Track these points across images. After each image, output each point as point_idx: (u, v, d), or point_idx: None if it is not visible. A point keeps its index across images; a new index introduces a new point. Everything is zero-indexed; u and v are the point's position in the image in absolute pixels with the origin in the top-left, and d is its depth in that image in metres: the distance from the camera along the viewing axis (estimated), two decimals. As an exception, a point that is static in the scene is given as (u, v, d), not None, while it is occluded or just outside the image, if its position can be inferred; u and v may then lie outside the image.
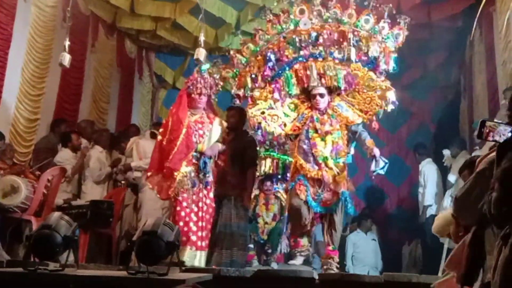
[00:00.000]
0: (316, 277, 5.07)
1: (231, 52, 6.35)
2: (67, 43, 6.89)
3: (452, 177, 7.59)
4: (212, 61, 7.40)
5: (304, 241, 5.67)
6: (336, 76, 5.69)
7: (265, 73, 5.93)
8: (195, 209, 5.69)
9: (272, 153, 7.39)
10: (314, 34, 5.78)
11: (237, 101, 6.35)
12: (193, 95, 5.86)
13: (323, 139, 5.66)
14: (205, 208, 5.72)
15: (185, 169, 5.71)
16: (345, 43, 5.72)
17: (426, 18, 8.90)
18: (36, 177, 6.41)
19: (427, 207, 8.10)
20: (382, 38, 5.82)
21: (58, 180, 6.58)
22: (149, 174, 5.91)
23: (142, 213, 7.02)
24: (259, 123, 5.98)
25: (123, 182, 7.72)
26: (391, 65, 5.87)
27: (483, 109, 8.09)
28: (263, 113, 5.94)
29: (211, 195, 5.81)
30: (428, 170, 8.29)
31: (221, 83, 6.11)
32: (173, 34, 9.99)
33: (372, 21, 5.79)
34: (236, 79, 6.20)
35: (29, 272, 4.09)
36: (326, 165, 5.56)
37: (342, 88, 5.77)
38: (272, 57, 5.87)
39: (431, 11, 8.80)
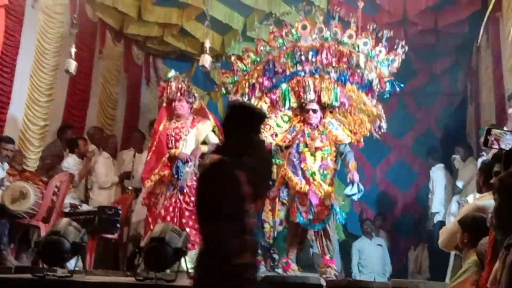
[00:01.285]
0: (324, 283, 5.06)
1: (232, 59, 6.42)
2: (73, 50, 6.95)
3: (460, 183, 7.59)
4: (215, 66, 7.42)
5: (294, 266, 5.75)
6: (332, 94, 5.79)
7: (263, 83, 6.02)
8: (163, 213, 5.74)
9: (277, 161, 7.40)
10: (313, 51, 5.88)
11: None
12: (165, 104, 6.04)
13: (312, 154, 5.81)
14: (178, 213, 5.75)
15: (156, 176, 5.86)
16: (341, 63, 5.86)
17: (433, 24, 8.90)
18: (44, 183, 6.44)
19: (434, 214, 8.08)
20: (378, 62, 5.88)
21: (66, 186, 6.60)
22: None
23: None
24: None
25: (130, 188, 7.77)
26: (387, 89, 5.94)
27: (490, 115, 8.07)
28: None
29: (189, 199, 5.81)
30: (437, 176, 8.26)
31: (190, 87, 6.14)
32: (180, 41, 10.00)
33: (370, 44, 5.86)
34: (235, 85, 6.26)
35: (38, 278, 4.12)
36: (314, 180, 5.68)
37: (337, 106, 5.88)
38: (272, 68, 5.96)
39: (437, 17, 8.80)
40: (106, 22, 9.39)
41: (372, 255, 8.63)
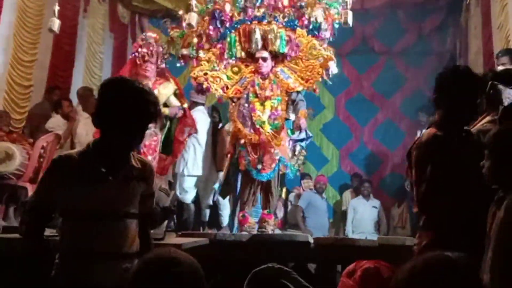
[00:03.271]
0: (311, 241, 5.11)
1: (180, 13, 6.25)
2: (56, 8, 6.80)
3: None
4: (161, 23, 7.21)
5: (251, 219, 5.69)
6: (279, 40, 5.62)
7: (210, 34, 5.82)
8: None
9: None
10: None
11: (182, 62, 6.26)
12: (138, 62, 5.82)
13: (262, 104, 5.66)
14: None
15: None
16: (287, 7, 5.69)
17: (422, -19, 8.83)
18: (31, 144, 6.39)
19: None
20: (327, 4, 5.74)
21: (53, 146, 6.56)
22: None
23: None
24: (201, 84, 5.91)
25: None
26: (333, 33, 5.81)
27: (479, 73, 8.06)
28: (205, 74, 5.81)
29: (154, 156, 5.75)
30: None
31: (168, 53, 5.98)
32: (166, -1, 9.87)
33: None
34: (183, 39, 6.08)
35: (26, 238, 4.11)
36: (263, 129, 5.56)
37: (285, 53, 5.70)
38: (218, 17, 5.74)
39: (427, -25, 8.72)
40: (90, -20, 9.21)
41: (365, 216, 8.74)
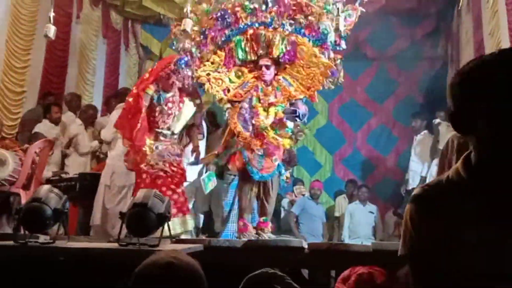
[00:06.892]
0: (306, 246, 5.12)
1: (185, 10, 6.17)
2: (51, 14, 6.81)
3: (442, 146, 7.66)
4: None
5: (251, 228, 5.63)
6: (281, 47, 5.59)
7: (215, 35, 5.76)
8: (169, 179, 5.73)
9: None
10: (269, 1, 5.62)
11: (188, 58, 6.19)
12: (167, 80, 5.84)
13: (265, 110, 5.62)
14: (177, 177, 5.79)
15: (150, 142, 5.73)
16: (298, 15, 5.62)
17: (414, -13, 8.88)
18: (24, 150, 6.37)
19: (425, 178, 8.11)
20: (334, 16, 5.71)
21: (46, 152, 6.54)
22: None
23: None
24: (203, 84, 5.86)
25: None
26: (342, 44, 5.78)
27: (470, 80, 8.10)
28: (208, 74, 5.76)
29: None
30: (428, 141, 8.27)
31: (195, 76, 5.89)
32: (159, 5, 9.86)
33: None
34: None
35: (20, 245, 4.09)
36: (267, 135, 5.55)
37: (285, 60, 5.66)
38: (226, 18, 5.68)
39: (419, -19, 8.77)
40: (83, -14, 9.21)
41: (362, 221, 8.73)
